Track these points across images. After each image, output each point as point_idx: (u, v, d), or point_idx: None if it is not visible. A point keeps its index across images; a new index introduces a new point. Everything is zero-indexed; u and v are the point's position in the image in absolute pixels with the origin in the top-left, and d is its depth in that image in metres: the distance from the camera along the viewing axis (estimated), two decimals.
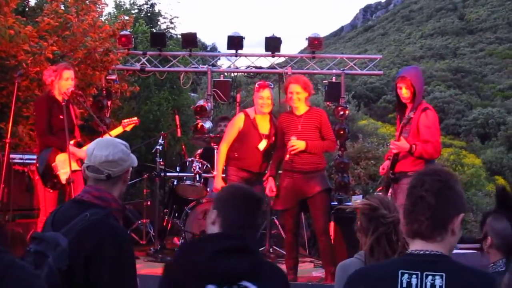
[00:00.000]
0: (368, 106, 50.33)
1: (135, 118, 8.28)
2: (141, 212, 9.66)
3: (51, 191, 6.84)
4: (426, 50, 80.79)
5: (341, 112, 11.01)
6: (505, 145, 43.85)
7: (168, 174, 9.64)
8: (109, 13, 17.74)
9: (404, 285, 2.45)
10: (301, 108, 7.10)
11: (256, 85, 7.60)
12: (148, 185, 9.83)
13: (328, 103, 12.26)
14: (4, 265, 2.45)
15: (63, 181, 6.80)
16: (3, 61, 8.07)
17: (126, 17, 11.80)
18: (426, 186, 2.52)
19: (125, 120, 8.03)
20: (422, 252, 2.52)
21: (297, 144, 6.84)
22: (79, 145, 7.08)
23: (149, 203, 9.43)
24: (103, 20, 12.90)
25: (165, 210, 9.78)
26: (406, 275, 2.46)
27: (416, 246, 2.54)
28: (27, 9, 10.26)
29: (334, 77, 11.76)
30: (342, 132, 10.97)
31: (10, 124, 7.15)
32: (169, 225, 9.59)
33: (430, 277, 2.44)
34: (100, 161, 3.36)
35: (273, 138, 7.40)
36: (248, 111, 7.62)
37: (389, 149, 6.85)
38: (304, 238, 9.29)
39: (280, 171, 7.41)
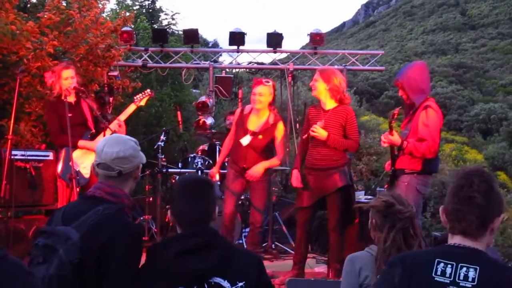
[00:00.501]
0: (370, 101, 50.27)
1: (148, 90, 8.00)
2: (143, 208, 9.66)
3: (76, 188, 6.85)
4: (428, 46, 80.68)
5: None
6: (507, 141, 43.75)
7: (170, 170, 9.65)
8: (111, 9, 17.74)
9: (439, 272, 2.59)
10: (329, 103, 6.96)
11: (256, 80, 7.62)
12: (150, 181, 9.82)
13: None
14: None
15: (86, 176, 6.85)
16: (5, 58, 8.05)
17: (128, 13, 11.78)
18: (475, 187, 2.65)
19: (138, 96, 7.87)
20: (461, 245, 2.67)
21: (319, 131, 6.69)
22: (94, 137, 7.15)
23: (151, 199, 9.44)
24: (104, 16, 12.90)
25: (167, 206, 9.77)
26: (442, 264, 2.61)
27: (456, 240, 2.71)
28: (28, 5, 10.24)
29: None
30: None
31: (12, 121, 7.14)
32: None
33: (464, 269, 2.58)
34: (111, 158, 3.37)
35: (261, 136, 7.31)
36: (246, 106, 7.63)
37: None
38: None
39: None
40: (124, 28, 10.94)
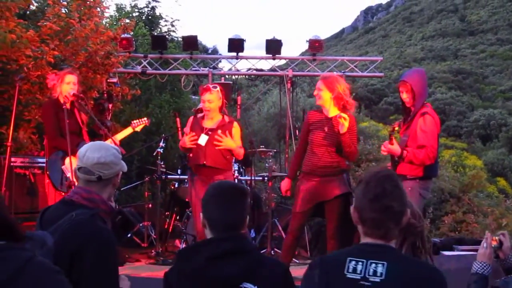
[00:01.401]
0: (369, 108, 50.30)
1: (145, 118, 8.30)
2: (142, 215, 9.67)
3: (63, 193, 6.84)
4: (427, 52, 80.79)
5: None
6: (507, 147, 43.81)
7: (169, 176, 9.66)
8: (111, 16, 17.75)
9: (350, 269, 2.79)
10: (333, 110, 6.84)
11: (203, 86, 7.52)
12: (149, 188, 9.83)
13: None
14: (21, 261, 2.48)
15: (75, 183, 6.82)
16: (4, 65, 8.07)
17: (128, 21, 11.81)
18: (390, 196, 2.86)
19: (135, 121, 8.05)
20: (373, 243, 2.87)
21: (345, 123, 6.51)
22: None
23: (150, 205, 9.44)
24: (104, 23, 12.92)
25: (166, 213, 9.79)
26: (353, 262, 2.80)
27: (368, 240, 2.90)
28: (28, 12, 10.26)
29: None
30: None
31: (12, 128, 7.15)
32: (171, 227, 9.60)
33: (373, 265, 2.77)
34: (92, 163, 3.44)
35: (220, 131, 7.23)
36: (198, 115, 7.60)
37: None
38: (305, 240, 9.27)
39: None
40: (124, 35, 10.97)
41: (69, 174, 6.79)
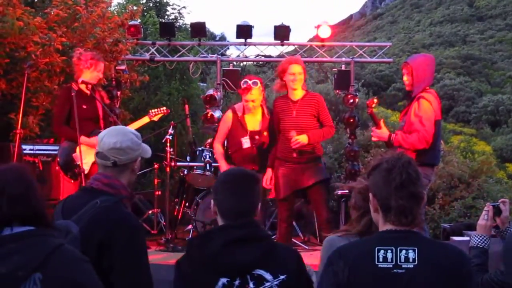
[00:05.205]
0: (377, 94, 50.06)
1: (164, 108, 8.23)
2: (152, 202, 9.69)
3: (72, 181, 6.85)
4: (435, 38, 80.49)
5: (351, 100, 10.91)
6: None
7: (178, 163, 9.66)
8: (118, 3, 17.72)
9: (381, 259, 2.73)
10: (297, 93, 6.83)
11: (242, 85, 7.24)
12: (158, 175, 9.84)
13: (337, 91, 12.19)
14: (49, 248, 2.49)
15: (85, 171, 6.82)
16: (13, 53, 8.06)
17: (135, 7, 11.78)
18: (415, 181, 2.85)
19: (153, 110, 8.00)
20: (397, 230, 2.84)
21: (299, 138, 6.56)
22: None
23: (159, 192, 9.44)
24: (112, 10, 12.89)
25: (175, 200, 9.81)
26: (382, 251, 2.74)
27: (388, 226, 2.87)
28: (35, 0, 10.24)
29: (343, 65, 11.70)
30: (352, 120, 10.91)
31: (21, 115, 7.15)
32: (180, 214, 9.62)
33: (404, 251, 2.73)
34: (108, 148, 3.41)
35: (265, 133, 7.16)
36: (236, 107, 7.45)
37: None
38: (314, 226, 9.26)
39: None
40: (131, 22, 10.94)
41: (79, 162, 6.81)
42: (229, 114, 7.33)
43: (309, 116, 6.75)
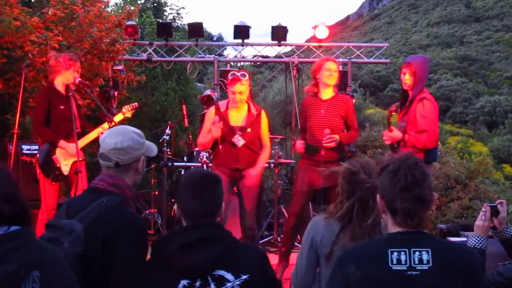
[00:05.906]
0: (374, 95, 50.29)
1: (135, 103, 8.14)
2: (149, 202, 9.68)
3: (53, 183, 6.81)
4: (432, 38, 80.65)
5: None
6: None
7: (175, 164, 9.66)
8: (116, 3, 17.73)
9: (395, 261, 2.69)
10: (328, 92, 6.80)
11: (230, 76, 6.93)
12: (155, 175, 9.85)
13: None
14: (42, 246, 2.55)
15: (65, 173, 6.77)
16: (10, 52, 8.06)
17: (132, 7, 11.77)
18: (421, 183, 2.79)
19: (126, 106, 7.99)
20: (407, 231, 2.79)
21: (333, 138, 6.53)
22: (82, 134, 7.03)
23: (156, 193, 9.45)
24: (109, 10, 12.89)
25: (172, 200, 9.80)
26: (395, 253, 2.70)
27: (397, 228, 2.82)
28: (33, 0, 10.24)
29: (340, 66, 11.72)
30: None
31: (18, 115, 7.13)
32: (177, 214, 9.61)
33: (417, 253, 2.69)
34: (109, 148, 3.39)
35: (249, 129, 6.78)
36: (220, 104, 7.09)
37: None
38: None
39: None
40: (129, 22, 10.94)
41: (63, 163, 6.78)
42: (212, 110, 7.04)
43: (337, 116, 6.73)
